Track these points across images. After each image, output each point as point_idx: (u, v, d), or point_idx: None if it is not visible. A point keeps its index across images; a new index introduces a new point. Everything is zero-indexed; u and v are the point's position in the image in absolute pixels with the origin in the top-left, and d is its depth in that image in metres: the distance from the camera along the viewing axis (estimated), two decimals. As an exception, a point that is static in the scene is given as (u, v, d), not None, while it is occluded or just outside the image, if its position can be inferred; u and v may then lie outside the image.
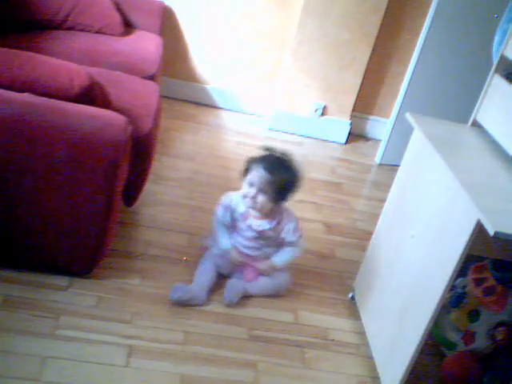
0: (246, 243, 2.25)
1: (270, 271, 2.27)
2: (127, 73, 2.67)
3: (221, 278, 2.26)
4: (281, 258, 2.27)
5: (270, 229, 2.22)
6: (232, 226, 2.28)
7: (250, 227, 2.22)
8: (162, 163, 3.01)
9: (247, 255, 2.26)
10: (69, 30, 3.02)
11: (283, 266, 2.28)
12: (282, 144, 3.37)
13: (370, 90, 3.88)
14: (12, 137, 1.81)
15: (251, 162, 2.17)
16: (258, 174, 2.12)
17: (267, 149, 2.21)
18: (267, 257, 2.27)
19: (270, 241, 2.26)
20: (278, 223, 2.22)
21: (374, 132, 4.04)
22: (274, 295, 2.29)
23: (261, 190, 2.13)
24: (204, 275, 2.22)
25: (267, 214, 2.21)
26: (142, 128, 2.19)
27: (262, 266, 2.26)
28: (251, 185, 2.14)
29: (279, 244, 2.28)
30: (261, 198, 2.14)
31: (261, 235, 2.23)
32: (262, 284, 2.27)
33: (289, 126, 3.79)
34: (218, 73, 3.80)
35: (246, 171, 2.18)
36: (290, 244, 2.26)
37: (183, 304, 2.11)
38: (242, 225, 2.24)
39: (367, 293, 2.22)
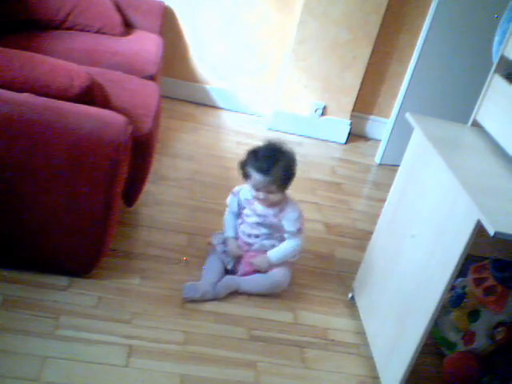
0: (249, 230, 2.29)
1: (265, 266, 2.27)
2: (127, 73, 2.67)
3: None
4: (277, 252, 2.28)
5: (273, 214, 2.25)
6: (239, 215, 2.33)
7: (254, 211, 2.26)
8: (162, 163, 3.01)
9: (246, 244, 2.29)
10: (69, 30, 3.02)
11: (278, 262, 2.28)
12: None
13: (370, 90, 3.88)
14: (12, 137, 1.81)
15: (245, 166, 2.20)
16: (258, 180, 2.16)
17: (253, 151, 2.21)
18: (264, 249, 2.28)
19: (272, 230, 2.28)
20: (281, 210, 2.25)
21: (373, 132, 4.04)
22: (271, 294, 2.29)
23: (268, 192, 2.18)
24: (211, 272, 2.25)
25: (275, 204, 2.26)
26: (142, 128, 2.19)
27: (257, 260, 2.27)
28: (257, 189, 2.19)
29: (280, 238, 2.29)
30: (271, 197, 2.20)
31: (264, 220, 2.26)
32: (259, 281, 2.27)
33: (289, 125, 3.79)
34: (218, 73, 3.80)
35: (245, 176, 2.22)
36: (289, 235, 2.27)
37: (196, 301, 2.14)
38: (247, 211, 2.29)
39: (367, 293, 2.22)
